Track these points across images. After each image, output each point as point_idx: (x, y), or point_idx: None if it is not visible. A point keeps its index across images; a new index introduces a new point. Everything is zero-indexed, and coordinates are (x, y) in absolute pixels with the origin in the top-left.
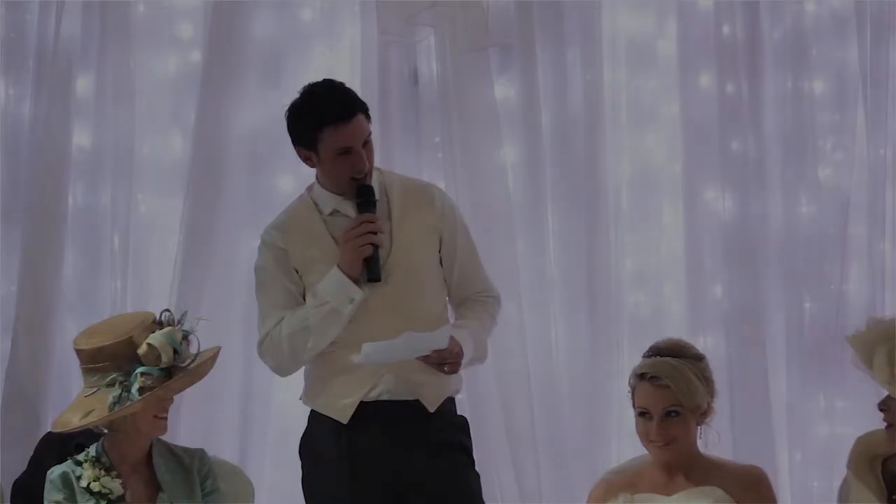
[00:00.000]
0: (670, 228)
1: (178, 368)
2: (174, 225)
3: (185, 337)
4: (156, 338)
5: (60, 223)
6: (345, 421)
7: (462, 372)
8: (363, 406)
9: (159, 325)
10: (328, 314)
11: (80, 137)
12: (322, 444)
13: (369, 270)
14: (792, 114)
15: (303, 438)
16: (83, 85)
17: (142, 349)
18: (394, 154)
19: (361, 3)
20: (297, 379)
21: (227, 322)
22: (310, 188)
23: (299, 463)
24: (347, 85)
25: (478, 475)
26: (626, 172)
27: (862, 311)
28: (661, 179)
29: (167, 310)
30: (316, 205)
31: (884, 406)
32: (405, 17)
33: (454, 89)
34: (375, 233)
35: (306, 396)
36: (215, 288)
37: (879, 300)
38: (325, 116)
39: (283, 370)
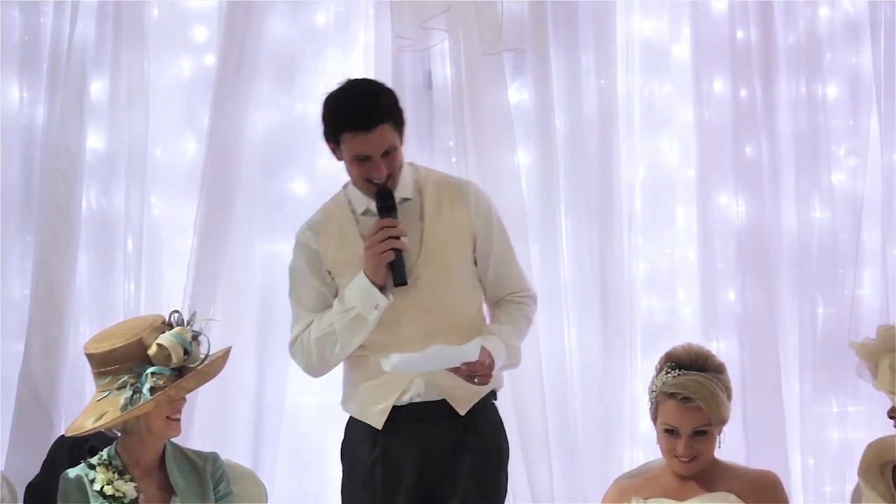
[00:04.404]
0: (683, 233)
1: (188, 368)
2: (187, 228)
3: (195, 337)
4: (165, 338)
5: (74, 226)
6: (379, 426)
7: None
8: (397, 410)
9: (169, 326)
10: (353, 320)
11: (94, 140)
12: (358, 450)
13: (395, 275)
14: (805, 119)
15: (342, 444)
16: (97, 88)
17: (152, 349)
18: (407, 157)
19: (376, 7)
20: (310, 383)
21: (241, 325)
22: (346, 186)
23: (311, 466)
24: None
25: (506, 470)
26: (640, 177)
27: (875, 317)
28: (675, 184)
29: (176, 311)
30: (350, 203)
31: (893, 414)
32: (419, 22)
33: (468, 93)
34: (398, 237)
35: (343, 400)
36: (229, 291)
37: (893, 305)
38: (346, 121)
39: (313, 372)
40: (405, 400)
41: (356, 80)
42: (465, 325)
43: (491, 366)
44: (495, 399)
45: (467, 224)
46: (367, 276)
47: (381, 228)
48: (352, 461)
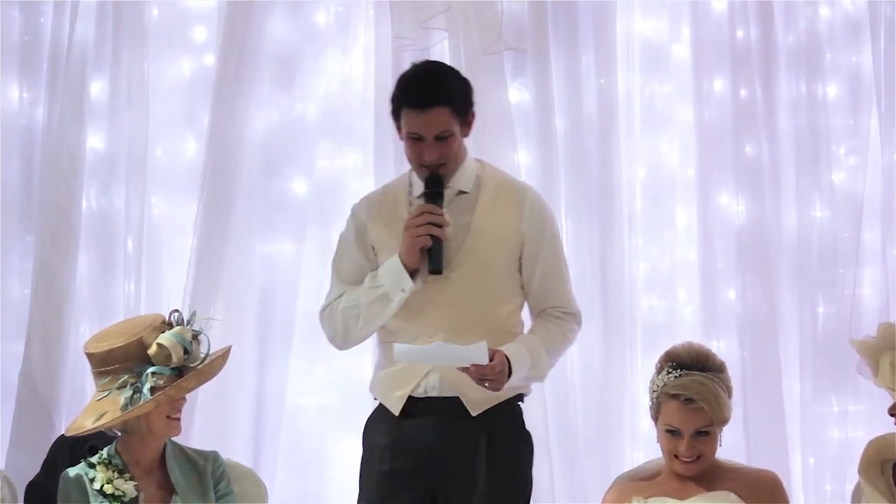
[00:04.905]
0: (684, 233)
1: (188, 368)
2: (188, 228)
3: (195, 336)
4: (165, 337)
5: (74, 226)
6: (396, 412)
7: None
8: (414, 401)
9: (169, 325)
10: (379, 298)
11: (94, 140)
12: (375, 436)
13: (431, 262)
14: (806, 118)
15: (364, 426)
16: (97, 88)
17: (152, 349)
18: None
19: (376, 7)
20: (311, 384)
21: (241, 325)
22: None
23: (311, 466)
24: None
25: (524, 476)
26: (640, 177)
27: (875, 316)
28: (675, 183)
29: (176, 310)
30: (410, 185)
31: (894, 411)
32: (419, 22)
33: None
34: (440, 225)
35: (371, 384)
36: (229, 291)
37: (893, 304)
38: (405, 98)
39: (336, 342)
40: (421, 392)
41: (430, 62)
42: (492, 327)
43: (503, 372)
44: (521, 401)
45: (516, 228)
46: (400, 257)
47: (423, 213)
48: (368, 446)
